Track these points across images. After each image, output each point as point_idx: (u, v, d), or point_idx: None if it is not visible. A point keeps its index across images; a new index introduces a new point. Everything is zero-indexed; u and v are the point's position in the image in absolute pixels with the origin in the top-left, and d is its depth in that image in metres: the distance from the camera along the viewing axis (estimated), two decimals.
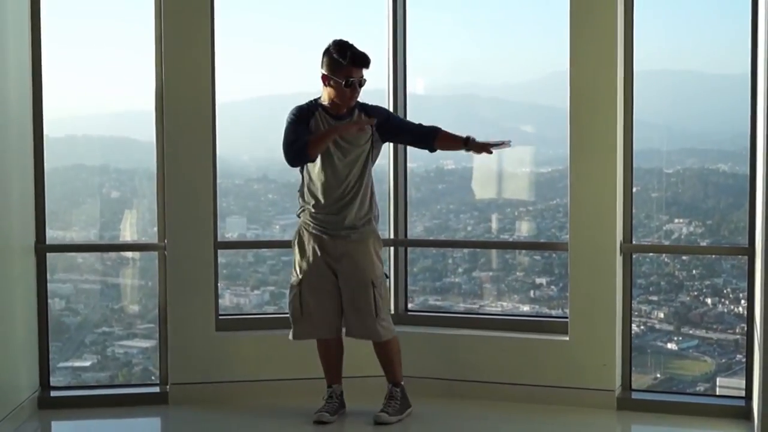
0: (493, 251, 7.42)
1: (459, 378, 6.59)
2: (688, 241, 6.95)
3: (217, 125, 6.66)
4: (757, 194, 5.86)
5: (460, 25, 7.10)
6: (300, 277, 6.07)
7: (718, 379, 6.88)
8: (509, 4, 7.15)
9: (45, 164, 6.64)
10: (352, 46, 5.82)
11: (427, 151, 6.06)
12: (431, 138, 5.96)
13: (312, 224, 6.00)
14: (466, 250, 7.49)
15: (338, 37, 5.86)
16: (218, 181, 6.74)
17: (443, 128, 5.98)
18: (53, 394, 6.67)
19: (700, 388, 6.92)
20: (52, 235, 6.82)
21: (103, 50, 7.15)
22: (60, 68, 6.83)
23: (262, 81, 7.40)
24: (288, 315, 6.18)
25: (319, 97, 5.97)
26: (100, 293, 7.66)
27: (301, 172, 6.02)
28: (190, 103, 6.61)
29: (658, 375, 7.03)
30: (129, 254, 7.54)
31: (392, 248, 6.94)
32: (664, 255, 7.03)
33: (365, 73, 5.84)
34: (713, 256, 7.03)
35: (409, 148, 6.74)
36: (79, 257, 7.49)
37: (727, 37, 6.65)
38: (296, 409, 6.35)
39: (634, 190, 6.46)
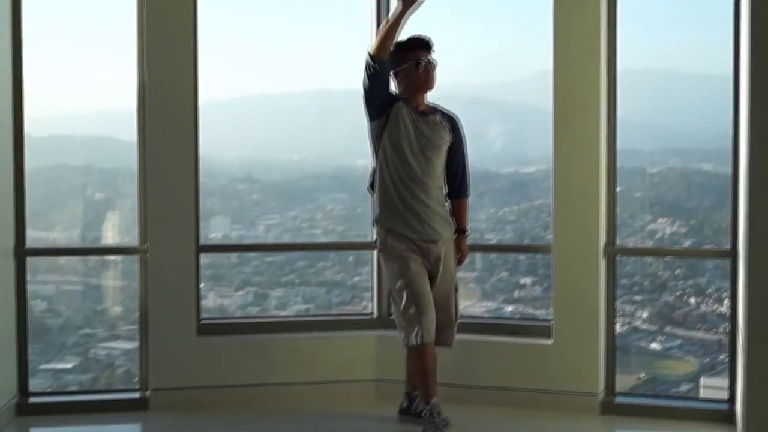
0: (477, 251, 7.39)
1: (442, 382, 6.52)
2: (671, 240, 6.93)
3: (200, 125, 6.61)
4: (740, 196, 5.84)
5: (441, 25, 7.04)
6: (406, 281, 5.79)
7: (701, 379, 6.87)
8: (491, 3, 7.10)
9: (26, 164, 6.58)
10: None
11: None
12: (456, 193, 6.05)
13: (404, 230, 5.83)
14: None
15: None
16: (202, 180, 6.69)
17: (467, 203, 6.12)
18: (32, 400, 6.61)
19: (684, 388, 6.91)
20: (36, 235, 6.77)
21: (86, 49, 7.11)
22: (43, 67, 6.77)
23: (246, 80, 7.37)
24: (399, 324, 5.90)
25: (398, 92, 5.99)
26: (82, 294, 7.62)
27: (378, 179, 5.89)
28: (173, 103, 6.56)
29: (642, 375, 7.02)
30: (111, 256, 7.49)
31: (375, 251, 6.88)
32: (646, 256, 7.01)
33: (432, 55, 5.89)
34: None
35: None
36: (62, 258, 7.44)
37: (710, 37, 6.62)
38: (279, 414, 6.32)
39: (617, 190, 6.43)
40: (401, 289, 5.78)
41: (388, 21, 5.67)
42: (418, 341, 5.73)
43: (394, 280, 5.83)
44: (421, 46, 5.86)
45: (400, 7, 5.57)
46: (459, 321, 6.10)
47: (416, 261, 5.82)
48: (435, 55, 5.88)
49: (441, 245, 5.90)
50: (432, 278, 5.90)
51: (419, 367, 5.84)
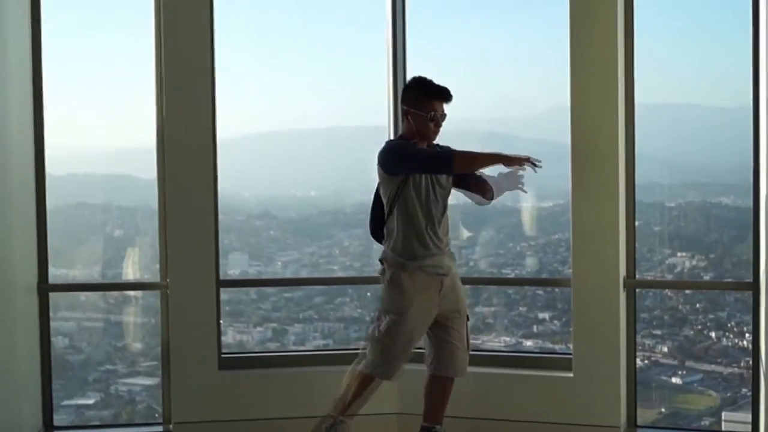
0: (496, 286, 7.41)
1: (463, 415, 6.53)
2: (691, 275, 6.94)
3: (218, 161, 6.66)
4: (761, 228, 5.86)
5: (457, 59, 7.11)
6: (406, 316, 5.79)
7: (723, 414, 6.84)
8: (508, 37, 7.15)
9: (47, 203, 6.65)
10: (432, 81, 5.84)
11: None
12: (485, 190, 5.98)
13: (416, 264, 5.82)
14: (468, 286, 7.47)
15: (418, 75, 5.90)
16: (220, 218, 6.73)
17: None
18: None
19: (706, 422, 6.88)
20: (56, 273, 6.82)
21: (104, 87, 7.18)
22: (61, 106, 6.85)
23: (262, 117, 7.43)
24: (369, 349, 5.92)
25: (402, 134, 5.94)
26: (103, 331, 7.66)
27: (392, 211, 5.85)
28: (191, 141, 6.61)
29: (663, 409, 7.00)
30: (132, 292, 7.52)
31: None
32: (667, 289, 7.02)
33: (446, 108, 5.83)
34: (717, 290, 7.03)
35: None
36: (82, 295, 7.48)
37: (728, 70, 6.66)
38: None
39: (636, 224, 6.45)
40: (392, 321, 5.79)
41: (489, 154, 5.72)
42: (385, 378, 5.88)
43: (391, 310, 5.82)
44: (442, 98, 5.81)
45: (505, 160, 5.66)
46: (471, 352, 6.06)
47: (419, 303, 5.82)
48: (448, 107, 5.85)
49: (450, 277, 5.90)
50: (444, 309, 5.89)
51: (359, 390, 5.89)
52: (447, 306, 5.91)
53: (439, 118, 5.81)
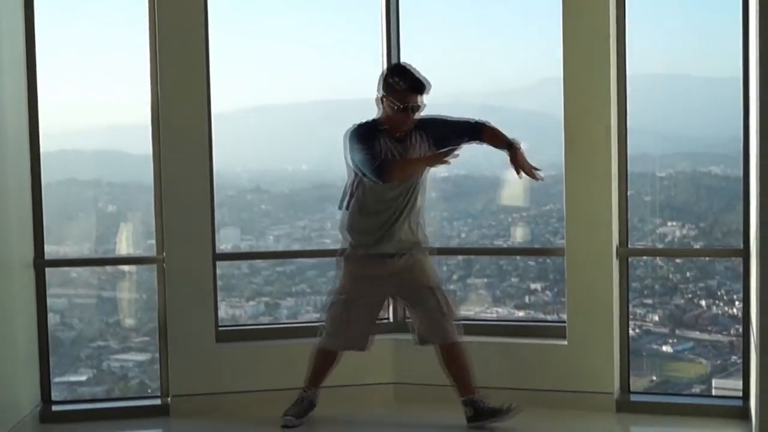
0: (488, 258, 7.47)
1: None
2: (681, 244, 7.01)
3: (213, 136, 6.67)
4: (751, 196, 5.91)
5: (450, 32, 7.13)
6: (349, 291, 6.05)
7: (713, 381, 6.93)
8: (500, 10, 7.19)
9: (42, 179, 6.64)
10: (410, 71, 5.87)
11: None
12: (479, 132, 5.97)
13: (365, 243, 5.99)
14: (460, 257, 7.53)
15: (400, 61, 6.08)
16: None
17: (490, 124, 5.99)
18: (55, 408, 6.67)
19: (696, 389, 6.97)
20: (47, 249, 6.79)
21: (96, 63, 7.15)
22: (51, 83, 6.80)
23: (254, 91, 7.42)
24: (323, 323, 6.23)
25: (377, 118, 5.97)
26: (95, 307, 7.65)
27: (354, 189, 5.97)
28: (186, 116, 6.60)
29: (654, 378, 7.08)
30: (125, 268, 7.52)
31: None
32: (657, 258, 7.09)
33: (422, 99, 5.86)
34: (707, 258, 7.10)
35: None
36: (74, 272, 7.46)
37: (719, 41, 6.71)
38: None
39: (628, 194, 6.51)
40: (332, 300, 6.15)
41: (421, 158, 5.87)
42: (322, 346, 6.19)
43: (335, 289, 6.17)
44: (416, 90, 5.82)
45: (433, 161, 5.83)
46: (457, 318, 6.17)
47: (361, 286, 6.04)
48: (425, 98, 5.89)
49: (404, 258, 6.02)
50: (407, 287, 6.08)
51: (315, 361, 6.25)
52: (408, 284, 6.05)
53: (411, 110, 5.83)
